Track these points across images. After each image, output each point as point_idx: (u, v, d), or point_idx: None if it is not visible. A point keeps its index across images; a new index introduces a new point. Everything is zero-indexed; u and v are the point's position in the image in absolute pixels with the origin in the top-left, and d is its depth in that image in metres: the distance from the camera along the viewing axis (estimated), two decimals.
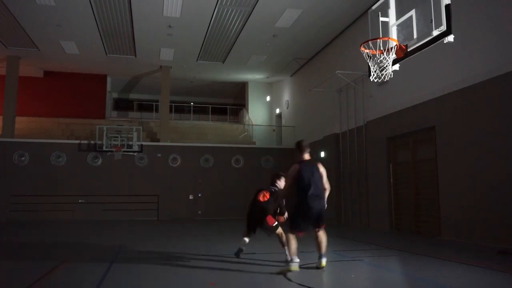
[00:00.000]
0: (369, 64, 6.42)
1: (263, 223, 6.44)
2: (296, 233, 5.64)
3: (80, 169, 16.78)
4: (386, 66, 6.14)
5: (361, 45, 6.21)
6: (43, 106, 19.72)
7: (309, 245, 6.31)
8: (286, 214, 6.62)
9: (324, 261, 5.64)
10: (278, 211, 6.63)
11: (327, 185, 5.79)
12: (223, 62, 18.10)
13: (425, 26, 5.68)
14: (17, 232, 11.64)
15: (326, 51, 15.90)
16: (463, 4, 8.69)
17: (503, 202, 7.78)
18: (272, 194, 6.60)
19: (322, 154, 15.36)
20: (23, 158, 16.32)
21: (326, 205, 5.71)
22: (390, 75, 6.22)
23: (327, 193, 5.78)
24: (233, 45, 15.99)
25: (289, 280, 5.01)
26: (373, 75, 6.40)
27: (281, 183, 6.70)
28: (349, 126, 13.68)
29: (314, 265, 5.73)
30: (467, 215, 8.63)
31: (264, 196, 6.61)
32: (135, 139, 17.16)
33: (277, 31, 14.55)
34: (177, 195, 17.45)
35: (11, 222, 14.95)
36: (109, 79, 21.40)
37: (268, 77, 20.70)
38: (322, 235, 5.69)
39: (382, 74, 6.25)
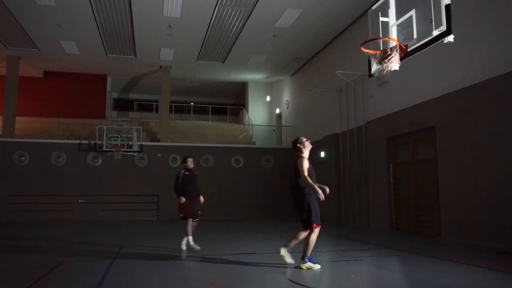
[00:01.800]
0: (371, 62, 6.41)
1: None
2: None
3: (80, 169, 16.77)
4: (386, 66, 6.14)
5: (361, 45, 6.21)
6: (43, 106, 19.72)
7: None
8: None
9: (301, 264, 5.58)
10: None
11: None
12: (223, 62, 18.09)
13: (425, 26, 5.68)
14: (17, 232, 11.64)
15: (326, 51, 15.90)
16: (463, 4, 8.69)
17: (503, 202, 7.78)
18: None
19: (322, 154, 15.36)
20: (23, 158, 16.32)
21: (300, 200, 5.60)
22: (390, 75, 6.22)
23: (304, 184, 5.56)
24: (233, 45, 15.99)
25: (289, 280, 5.01)
26: (373, 75, 6.40)
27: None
28: (349, 126, 13.68)
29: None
30: (467, 215, 8.63)
31: None
32: (135, 139, 17.16)
33: (277, 31, 14.54)
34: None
35: (11, 222, 14.95)
36: (109, 79, 21.39)
37: (268, 77, 20.70)
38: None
39: (382, 74, 6.25)
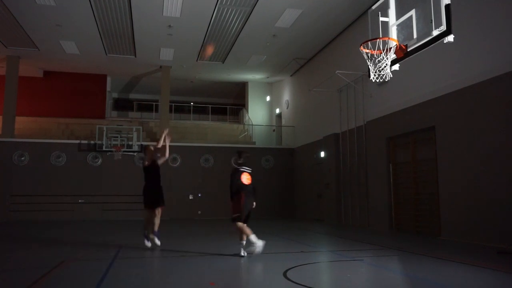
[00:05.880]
0: (369, 64, 6.41)
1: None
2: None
3: (80, 169, 16.78)
4: (385, 66, 6.14)
5: (361, 45, 6.21)
6: (43, 106, 19.71)
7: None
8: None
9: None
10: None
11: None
12: (223, 62, 18.09)
13: (425, 26, 5.68)
14: (17, 232, 11.64)
15: (326, 51, 15.90)
16: (463, 4, 8.69)
17: (503, 202, 7.78)
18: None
19: (322, 154, 15.35)
20: (23, 158, 16.32)
21: None
22: (390, 75, 6.22)
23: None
24: (233, 45, 15.98)
25: (289, 279, 5.00)
26: (373, 75, 6.40)
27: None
28: (349, 126, 13.68)
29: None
30: (467, 215, 8.63)
31: (248, 179, 6.67)
32: (135, 139, 17.17)
33: (277, 31, 14.54)
34: (177, 195, 17.45)
35: (11, 222, 14.95)
36: (109, 79, 21.39)
37: (268, 77, 20.70)
38: None
39: (381, 74, 6.25)
